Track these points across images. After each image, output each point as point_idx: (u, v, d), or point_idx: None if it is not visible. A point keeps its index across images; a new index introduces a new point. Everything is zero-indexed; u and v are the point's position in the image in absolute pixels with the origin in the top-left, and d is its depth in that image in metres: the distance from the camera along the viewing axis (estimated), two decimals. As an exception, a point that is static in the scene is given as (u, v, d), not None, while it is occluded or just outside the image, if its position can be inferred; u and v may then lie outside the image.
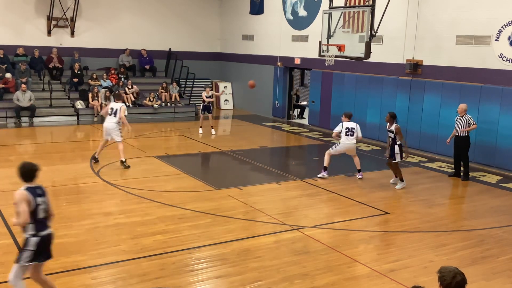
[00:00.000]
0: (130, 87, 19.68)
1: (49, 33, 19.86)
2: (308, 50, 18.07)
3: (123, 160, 11.73)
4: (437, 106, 13.74)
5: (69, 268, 6.46)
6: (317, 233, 8.04)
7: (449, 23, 13.46)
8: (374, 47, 13.45)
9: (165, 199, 9.46)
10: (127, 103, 19.21)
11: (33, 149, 14.11)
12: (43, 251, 5.21)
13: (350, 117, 11.41)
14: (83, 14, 20.34)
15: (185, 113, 20.20)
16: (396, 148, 10.44)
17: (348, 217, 8.96)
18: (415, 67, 14.30)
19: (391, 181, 11.01)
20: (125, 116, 11.68)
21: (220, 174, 12.08)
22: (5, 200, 8.98)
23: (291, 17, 19.21)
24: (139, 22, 21.46)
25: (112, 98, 11.47)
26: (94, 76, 19.62)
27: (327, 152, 11.36)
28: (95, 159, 11.99)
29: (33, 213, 5.15)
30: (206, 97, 16.14)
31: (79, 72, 19.36)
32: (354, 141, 11.21)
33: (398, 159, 10.54)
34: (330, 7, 14.16)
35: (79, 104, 18.52)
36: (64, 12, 19.50)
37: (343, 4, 15.25)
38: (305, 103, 20.94)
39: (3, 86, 17.65)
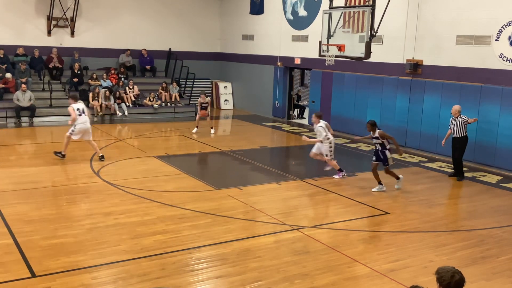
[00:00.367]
0: (131, 87, 19.69)
1: (49, 33, 19.87)
2: (308, 50, 18.08)
3: (102, 154, 12.19)
4: (437, 106, 13.73)
5: (69, 268, 6.46)
6: (317, 233, 8.04)
7: (449, 23, 13.46)
8: (374, 47, 13.44)
9: (165, 199, 9.46)
10: (127, 103, 19.25)
11: (33, 149, 14.11)
12: None
13: (320, 117, 11.42)
14: (83, 14, 20.34)
15: (185, 113, 20.20)
16: (387, 153, 10.36)
17: (348, 217, 8.96)
18: (415, 67, 14.31)
19: (396, 186, 10.78)
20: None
21: (220, 174, 12.08)
22: (5, 200, 9.00)
23: (291, 17, 19.21)
24: (139, 22, 21.47)
25: (70, 100, 12.12)
26: (94, 76, 19.63)
27: (327, 159, 11.37)
28: (61, 155, 12.15)
29: None
30: (202, 103, 16.13)
31: (79, 72, 19.36)
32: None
33: (390, 163, 10.42)
34: (330, 7, 14.15)
35: (79, 104, 18.52)
36: (64, 12, 19.51)
37: (343, 4, 15.24)
38: (305, 103, 20.94)
39: (3, 86, 17.65)
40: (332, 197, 10.08)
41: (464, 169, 12.02)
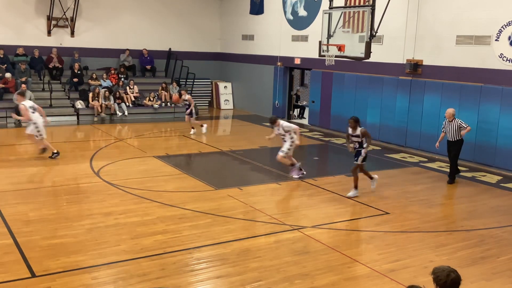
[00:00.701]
0: (131, 87, 19.69)
1: (49, 33, 19.86)
2: (308, 50, 18.07)
3: (56, 151, 12.31)
4: (437, 106, 13.73)
5: (69, 268, 6.46)
6: (317, 233, 8.04)
7: (449, 23, 13.46)
8: (374, 47, 13.44)
9: (165, 199, 9.46)
10: (127, 103, 19.24)
11: (33, 149, 14.10)
12: None
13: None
14: (83, 14, 20.33)
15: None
16: (363, 151, 10.07)
17: (348, 217, 8.96)
18: (415, 67, 14.31)
19: (372, 186, 10.53)
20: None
21: (220, 174, 12.08)
22: (5, 200, 9.00)
23: (291, 17, 19.21)
24: (139, 22, 21.46)
25: (18, 97, 12.37)
26: (94, 76, 19.62)
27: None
28: (55, 154, 12.26)
29: None
30: (184, 100, 16.22)
31: (79, 72, 19.36)
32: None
33: (359, 161, 10.06)
34: (330, 7, 14.15)
35: (79, 104, 18.52)
36: (64, 12, 19.50)
37: (343, 4, 15.24)
38: (304, 103, 20.93)
39: (3, 86, 17.65)
40: (332, 197, 10.08)
41: (464, 169, 12.00)
